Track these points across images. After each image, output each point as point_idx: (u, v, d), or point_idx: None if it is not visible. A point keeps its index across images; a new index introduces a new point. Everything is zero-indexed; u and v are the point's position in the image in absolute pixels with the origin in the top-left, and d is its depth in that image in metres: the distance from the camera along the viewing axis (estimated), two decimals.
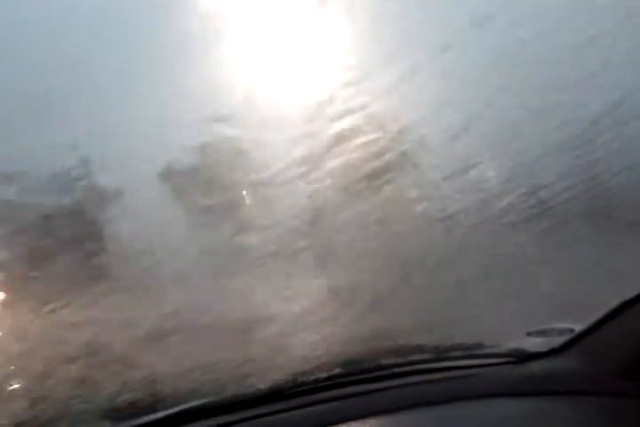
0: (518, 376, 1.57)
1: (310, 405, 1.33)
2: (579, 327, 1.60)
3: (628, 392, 1.51)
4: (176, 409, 1.24)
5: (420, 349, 1.58)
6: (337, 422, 1.29)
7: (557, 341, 1.62)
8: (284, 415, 1.29)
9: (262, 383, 1.36)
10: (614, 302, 1.57)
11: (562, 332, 1.63)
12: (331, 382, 1.40)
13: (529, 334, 1.72)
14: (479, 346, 1.63)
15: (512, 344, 1.66)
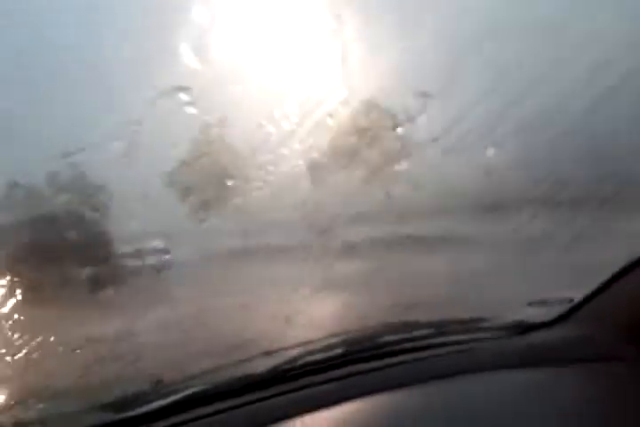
0: (521, 347, 1.56)
1: (311, 386, 1.33)
2: (578, 295, 1.59)
3: (633, 357, 1.50)
4: (175, 397, 1.24)
5: (419, 325, 1.57)
6: (339, 402, 1.29)
7: (558, 310, 1.61)
8: (284, 398, 1.29)
9: (261, 367, 1.35)
10: (611, 269, 1.56)
11: (562, 301, 1.62)
12: (330, 363, 1.40)
13: (529, 304, 1.71)
14: (480, 319, 1.62)
15: (513, 316, 1.65)
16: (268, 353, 1.47)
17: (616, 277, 1.54)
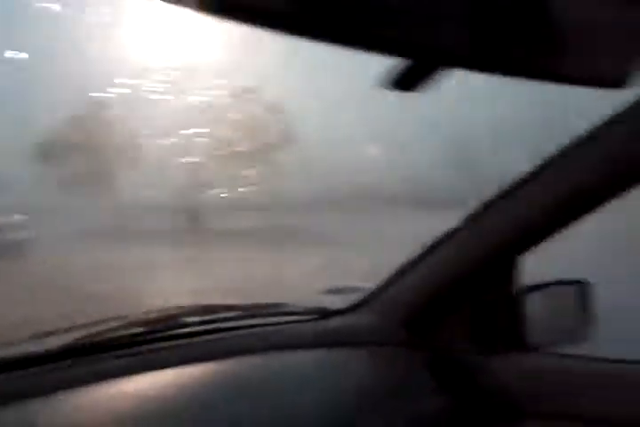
0: (318, 331, 1.71)
1: (102, 360, 1.38)
2: (371, 286, 1.78)
3: (410, 342, 1.71)
4: None
5: (221, 308, 1.67)
6: (128, 376, 1.35)
7: (353, 298, 1.78)
8: (71, 370, 1.33)
9: (56, 342, 1.38)
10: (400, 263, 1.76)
11: (356, 290, 1.80)
12: (128, 341, 1.45)
13: (328, 292, 1.87)
14: (282, 304, 1.75)
15: (313, 302, 1.80)
16: (67, 329, 1.50)
17: (402, 271, 1.74)
